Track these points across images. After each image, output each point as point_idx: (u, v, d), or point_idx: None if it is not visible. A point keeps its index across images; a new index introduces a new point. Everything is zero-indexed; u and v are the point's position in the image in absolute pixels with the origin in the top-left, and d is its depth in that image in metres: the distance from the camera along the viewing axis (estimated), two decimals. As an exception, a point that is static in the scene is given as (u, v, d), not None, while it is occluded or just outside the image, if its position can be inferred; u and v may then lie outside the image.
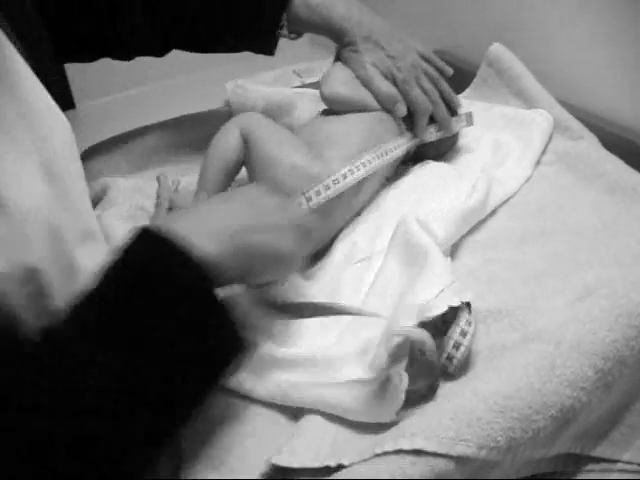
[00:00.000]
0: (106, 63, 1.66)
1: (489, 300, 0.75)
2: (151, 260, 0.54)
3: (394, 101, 0.92)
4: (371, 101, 0.95)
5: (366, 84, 0.94)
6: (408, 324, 0.63)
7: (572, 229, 0.88)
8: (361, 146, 0.88)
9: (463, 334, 0.66)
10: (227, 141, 0.83)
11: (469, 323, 0.67)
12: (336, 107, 0.95)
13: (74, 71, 1.68)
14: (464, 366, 0.67)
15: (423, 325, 0.63)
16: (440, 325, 0.67)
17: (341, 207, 0.85)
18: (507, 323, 0.72)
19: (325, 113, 0.96)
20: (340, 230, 0.88)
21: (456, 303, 0.65)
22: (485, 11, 1.32)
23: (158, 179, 0.96)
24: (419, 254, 0.74)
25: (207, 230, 0.58)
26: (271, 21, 0.96)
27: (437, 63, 0.97)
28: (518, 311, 0.73)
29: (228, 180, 0.83)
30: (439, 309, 0.64)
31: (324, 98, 0.94)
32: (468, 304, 0.68)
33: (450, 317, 0.67)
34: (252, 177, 0.84)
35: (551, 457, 0.65)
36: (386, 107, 0.93)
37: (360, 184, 0.85)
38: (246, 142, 0.82)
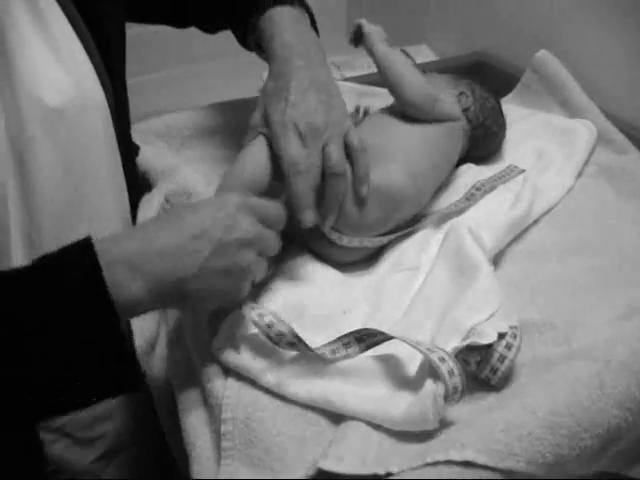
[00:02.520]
0: (144, 43, 1.67)
1: (532, 312, 0.76)
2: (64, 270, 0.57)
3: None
4: (453, 112, 0.94)
5: None
6: (454, 344, 0.64)
7: (614, 244, 0.88)
8: (432, 159, 0.88)
9: (508, 347, 0.66)
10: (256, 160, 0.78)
11: (514, 336, 0.67)
12: (413, 113, 0.91)
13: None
14: (507, 378, 0.67)
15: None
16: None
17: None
18: (551, 336, 0.72)
19: (387, 115, 0.94)
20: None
21: (504, 329, 0.66)
22: (533, 16, 1.31)
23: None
24: (469, 265, 0.75)
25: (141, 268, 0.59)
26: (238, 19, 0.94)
27: None
28: (562, 325, 0.73)
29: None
30: (490, 337, 0.65)
31: (404, 102, 0.91)
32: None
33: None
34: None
35: (588, 474, 0.65)
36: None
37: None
38: None
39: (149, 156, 1.04)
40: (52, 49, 0.73)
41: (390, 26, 1.78)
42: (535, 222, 0.92)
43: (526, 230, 0.90)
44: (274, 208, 0.69)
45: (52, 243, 0.67)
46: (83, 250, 0.58)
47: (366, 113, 1.06)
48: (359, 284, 0.81)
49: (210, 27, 1.05)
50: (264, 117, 0.78)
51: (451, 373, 0.61)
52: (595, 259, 0.85)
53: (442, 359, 0.61)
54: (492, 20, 1.43)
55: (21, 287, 0.56)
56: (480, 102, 1.00)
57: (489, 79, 1.30)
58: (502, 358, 0.66)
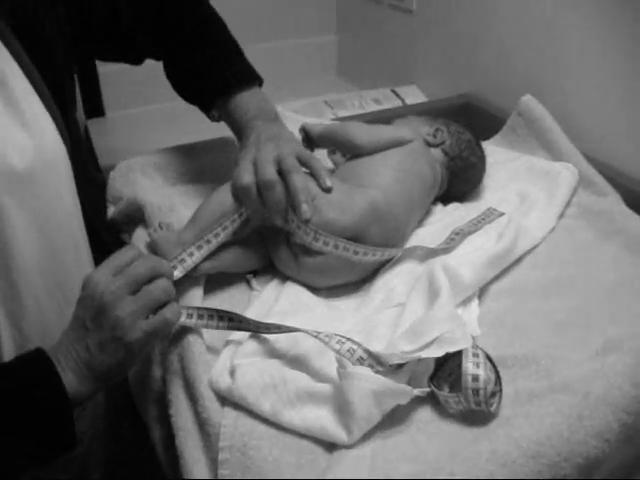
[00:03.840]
0: (138, 75, 1.71)
1: (515, 347, 0.79)
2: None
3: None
4: (401, 135, 1.03)
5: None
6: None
7: (594, 283, 0.92)
8: (396, 176, 0.96)
9: (476, 365, 0.70)
10: (224, 200, 0.89)
11: (476, 355, 0.71)
12: (368, 149, 1.01)
13: (106, 80, 1.72)
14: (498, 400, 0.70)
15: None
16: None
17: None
18: (533, 370, 0.76)
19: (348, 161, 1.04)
20: (377, 273, 0.92)
21: (449, 350, 0.71)
22: (516, 59, 1.37)
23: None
24: (434, 294, 0.80)
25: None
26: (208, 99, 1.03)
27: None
28: (544, 360, 0.77)
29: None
30: (434, 353, 0.71)
31: (356, 145, 1.02)
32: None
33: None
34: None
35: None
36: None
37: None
38: None
39: (145, 188, 1.09)
40: (15, 112, 0.77)
41: (381, 67, 1.87)
42: (518, 261, 0.96)
43: (509, 268, 0.94)
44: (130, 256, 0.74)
45: (34, 312, 0.78)
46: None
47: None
48: (351, 319, 0.85)
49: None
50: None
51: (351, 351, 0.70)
52: (575, 297, 0.89)
53: (341, 342, 0.71)
54: (479, 63, 1.49)
55: None
56: (456, 136, 1.09)
57: (476, 121, 1.36)
58: (475, 376, 0.69)
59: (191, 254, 0.82)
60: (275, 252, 0.91)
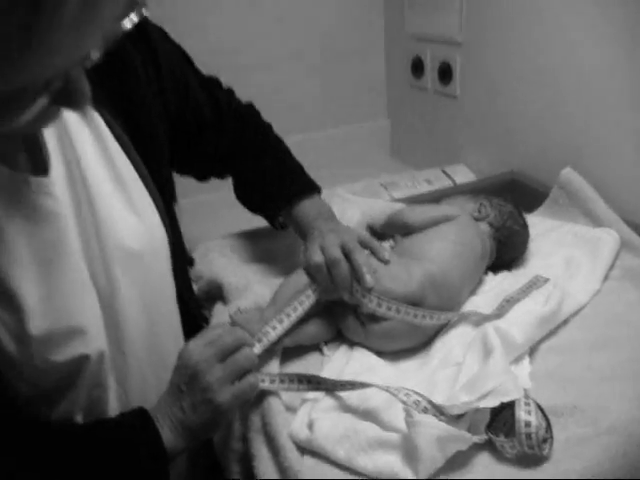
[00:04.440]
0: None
1: (564, 398, 0.87)
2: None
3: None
4: (448, 211, 1.15)
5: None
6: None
7: (638, 340, 0.99)
8: (449, 248, 1.07)
9: (528, 412, 0.78)
10: (299, 281, 1.01)
11: (528, 404, 0.79)
12: (420, 226, 1.14)
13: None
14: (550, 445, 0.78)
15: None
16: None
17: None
18: (581, 418, 0.84)
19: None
20: (435, 337, 1.02)
21: (503, 400, 0.79)
22: (556, 135, 1.48)
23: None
24: (487, 351, 0.90)
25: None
26: (275, 208, 1.17)
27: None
28: (590, 409, 0.85)
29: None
30: (490, 403, 0.79)
31: (409, 224, 1.15)
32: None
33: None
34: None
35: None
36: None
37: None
38: None
39: (224, 269, 1.22)
40: (127, 201, 0.86)
41: (431, 148, 1.99)
42: (565, 322, 1.04)
43: (557, 328, 1.03)
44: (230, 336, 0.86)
45: (137, 376, 0.88)
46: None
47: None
48: (414, 378, 0.94)
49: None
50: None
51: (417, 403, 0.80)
52: (621, 353, 0.96)
53: (408, 394, 0.81)
54: (522, 141, 1.60)
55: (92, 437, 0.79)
56: (498, 208, 1.20)
57: (521, 195, 1.46)
58: (528, 423, 0.77)
59: (274, 327, 0.93)
60: (343, 322, 1.02)
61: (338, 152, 2.18)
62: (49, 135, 0.78)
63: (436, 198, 1.31)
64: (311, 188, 1.15)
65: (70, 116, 0.81)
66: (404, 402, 0.81)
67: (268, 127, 1.23)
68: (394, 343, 1.00)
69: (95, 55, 0.56)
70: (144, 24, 0.94)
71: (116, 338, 0.84)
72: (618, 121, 1.31)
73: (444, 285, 1.03)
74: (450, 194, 1.29)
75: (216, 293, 1.21)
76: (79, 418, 0.83)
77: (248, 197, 1.21)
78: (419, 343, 1.02)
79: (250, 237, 1.35)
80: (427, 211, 1.16)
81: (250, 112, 1.23)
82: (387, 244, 1.18)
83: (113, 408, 0.86)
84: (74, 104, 0.62)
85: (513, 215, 1.20)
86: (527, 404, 0.79)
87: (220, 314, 1.14)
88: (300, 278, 1.01)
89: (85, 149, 0.81)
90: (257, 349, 0.89)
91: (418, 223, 1.13)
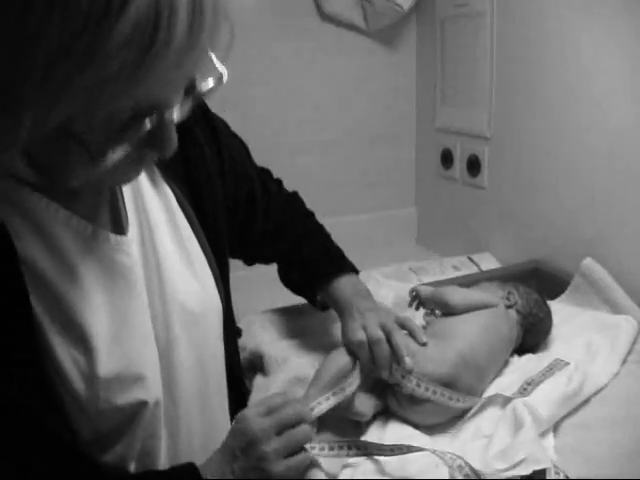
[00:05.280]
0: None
1: (589, 473, 0.94)
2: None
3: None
4: (487, 300, 1.21)
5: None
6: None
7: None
8: (481, 334, 1.14)
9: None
10: (342, 359, 1.08)
11: (557, 473, 0.87)
12: (458, 310, 1.21)
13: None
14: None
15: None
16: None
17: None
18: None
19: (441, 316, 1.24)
20: (466, 414, 1.09)
21: (535, 468, 0.87)
22: (578, 227, 1.58)
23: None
24: (520, 426, 0.97)
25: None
26: (314, 287, 1.26)
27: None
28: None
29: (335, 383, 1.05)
30: (523, 471, 0.87)
31: (449, 305, 1.21)
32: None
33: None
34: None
35: None
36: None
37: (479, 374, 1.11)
38: None
39: (265, 342, 1.32)
40: (189, 266, 0.94)
41: (457, 236, 2.09)
42: (587, 401, 1.11)
43: (580, 407, 1.10)
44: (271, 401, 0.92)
45: (187, 431, 0.94)
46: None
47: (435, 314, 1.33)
48: (447, 448, 1.01)
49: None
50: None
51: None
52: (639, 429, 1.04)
53: (452, 458, 0.90)
54: (546, 232, 1.69)
55: None
56: (525, 297, 1.28)
57: (544, 282, 1.55)
58: None
59: (327, 398, 1.00)
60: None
61: (365, 237, 2.24)
62: (127, 198, 0.88)
63: (464, 283, 1.39)
64: (349, 268, 1.23)
65: (144, 183, 0.90)
66: (450, 465, 0.88)
67: (311, 214, 1.34)
68: (429, 419, 1.07)
69: (177, 100, 0.67)
70: (209, 113, 1.06)
71: (170, 389, 0.90)
72: (637, 213, 1.42)
73: (474, 367, 1.11)
74: (477, 280, 1.39)
75: (257, 364, 1.30)
76: (131, 467, 0.87)
77: (290, 279, 1.30)
78: (450, 418, 1.09)
79: (290, 313, 1.45)
80: (468, 296, 1.24)
81: (295, 199, 1.33)
82: (419, 321, 1.26)
83: (163, 461, 0.91)
84: (162, 148, 0.69)
85: (538, 303, 1.28)
86: (557, 473, 0.87)
87: (261, 385, 1.22)
88: (342, 356, 1.09)
89: (155, 215, 0.90)
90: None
91: (459, 306, 1.21)
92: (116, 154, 0.65)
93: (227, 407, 1.05)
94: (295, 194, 1.34)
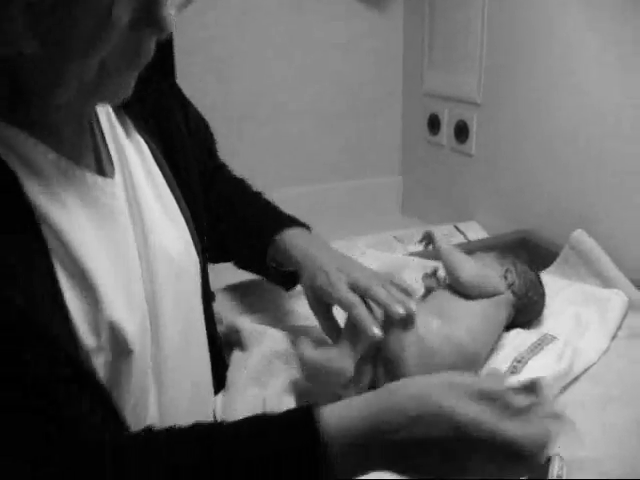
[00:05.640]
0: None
1: (580, 453, 0.90)
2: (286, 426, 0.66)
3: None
4: (496, 287, 1.15)
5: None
6: None
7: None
8: (482, 325, 1.08)
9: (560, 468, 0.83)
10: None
11: (562, 467, 0.83)
12: (469, 292, 1.13)
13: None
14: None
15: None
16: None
17: None
18: (597, 473, 0.88)
19: (448, 289, 1.16)
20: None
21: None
22: (568, 197, 1.55)
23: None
24: None
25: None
26: (261, 253, 1.15)
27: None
28: (607, 462, 0.89)
29: None
30: None
31: (460, 283, 1.12)
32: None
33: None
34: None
35: None
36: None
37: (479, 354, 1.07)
38: None
39: (242, 315, 1.27)
40: (165, 213, 0.90)
41: (443, 205, 2.05)
42: (576, 379, 1.09)
43: (569, 385, 1.07)
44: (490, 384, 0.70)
45: (173, 388, 0.87)
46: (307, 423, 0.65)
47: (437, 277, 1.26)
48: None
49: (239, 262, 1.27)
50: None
51: None
52: (631, 410, 1.00)
53: None
54: (534, 201, 1.66)
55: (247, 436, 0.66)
56: (522, 277, 1.20)
57: (531, 253, 1.51)
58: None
59: None
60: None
61: (348, 206, 2.23)
62: (109, 142, 0.84)
63: None
64: (299, 224, 1.16)
65: (119, 132, 0.87)
66: None
67: (247, 184, 1.28)
68: None
69: None
70: (181, 91, 1.03)
71: (156, 339, 0.85)
72: (629, 187, 1.38)
73: (471, 355, 1.06)
74: (466, 250, 1.34)
75: (234, 338, 1.24)
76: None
77: (239, 252, 1.23)
78: None
79: (264, 285, 1.37)
80: (481, 278, 1.14)
81: (243, 181, 1.28)
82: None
83: (152, 415, 0.85)
84: (157, 26, 0.66)
85: (534, 284, 1.22)
86: (561, 467, 0.83)
87: (239, 360, 1.17)
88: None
89: (133, 162, 0.86)
90: None
91: (468, 286, 1.12)
92: (111, 36, 0.63)
93: (209, 365, 1.02)
94: (243, 180, 1.29)
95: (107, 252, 0.77)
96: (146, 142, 0.91)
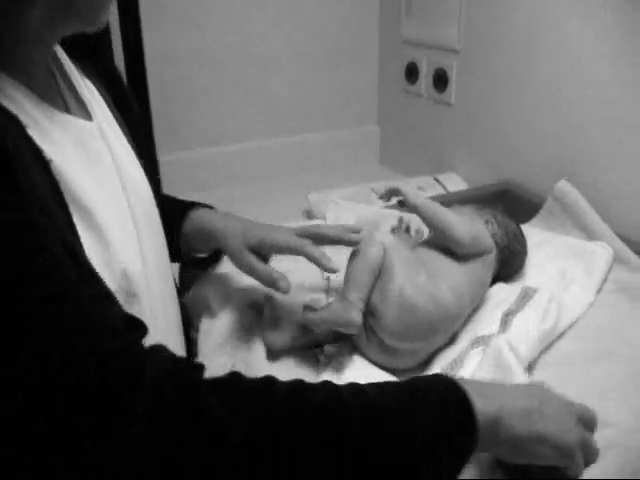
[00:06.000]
0: (195, 163, 1.86)
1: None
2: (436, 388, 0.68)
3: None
4: (488, 244, 1.09)
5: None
6: None
7: (634, 351, 1.00)
8: (468, 286, 1.03)
9: None
10: (377, 251, 0.98)
11: None
12: (461, 250, 1.06)
13: (166, 168, 1.83)
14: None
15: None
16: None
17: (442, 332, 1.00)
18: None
19: (429, 246, 1.10)
20: (436, 352, 1.02)
21: None
22: (551, 147, 1.49)
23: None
24: (507, 372, 0.89)
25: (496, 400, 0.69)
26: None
27: None
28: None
29: (372, 284, 0.97)
30: None
31: (462, 245, 1.05)
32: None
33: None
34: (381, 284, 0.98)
35: None
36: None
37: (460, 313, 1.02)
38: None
39: (209, 283, 1.18)
40: (130, 158, 0.87)
41: (422, 156, 1.99)
42: (561, 335, 1.05)
43: (554, 341, 1.03)
44: (591, 412, 0.79)
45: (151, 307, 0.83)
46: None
47: (407, 229, 1.21)
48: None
49: None
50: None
51: None
52: (617, 364, 0.97)
53: None
54: (516, 152, 1.61)
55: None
56: (503, 228, 1.16)
57: (513, 205, 1.47)
58: None
59: None
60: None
61: (324, 157, 2.18)
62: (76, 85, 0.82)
63: None
64: (201, 205, 1.12)
65: (78, 76, 0.83)
66: None
67: None
68: (397, 361, 0.99)
69: None
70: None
71: (146, 278, 0.83)
72: (615, 135, 1.33)
73: (456, 320, 1.02)
74: (446, 202, 1.28)
75: (201, 306, 1.18)
76: None
77: None
78: (421, 362, 1.01)
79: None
80: (476, 238, 1.07)
81: None
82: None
83: None
84: None
85: (516, 236, 1.18)
86: None
87: (207, 327, 1.11)
88: (369, 256, 0.98)
89: (96, 106, 0.83)
90: None
91: (467, 245, 1.06)
92: None
93: (180, 322, 0.99)
94: None
95: (104, 196, 0.75)
96: (97, 90, 0.87)
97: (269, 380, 0.64)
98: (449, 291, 1.00)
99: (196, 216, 1.08)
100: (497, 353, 0.92)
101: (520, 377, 0.87)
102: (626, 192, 1.31)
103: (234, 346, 1.02)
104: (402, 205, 1.09)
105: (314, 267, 0.98)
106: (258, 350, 1.00)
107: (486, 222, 1.14)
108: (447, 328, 1.01)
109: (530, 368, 0.97)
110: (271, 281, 0.98)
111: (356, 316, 0.93)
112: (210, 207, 1.12)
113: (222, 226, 1.04)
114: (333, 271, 0.96)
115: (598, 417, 0.85)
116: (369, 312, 0.97)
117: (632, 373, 0.95)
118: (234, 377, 0.63)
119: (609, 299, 1.15)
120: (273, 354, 1.00)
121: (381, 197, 1.11)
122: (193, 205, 1.11)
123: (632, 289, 1.15)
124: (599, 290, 1.17)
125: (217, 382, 0.61)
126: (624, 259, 1.22)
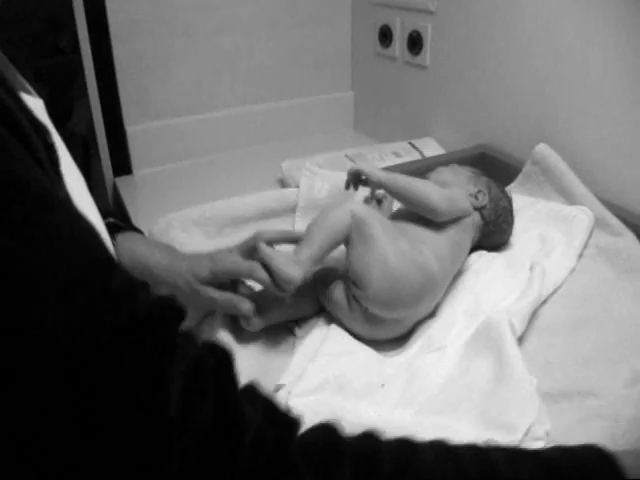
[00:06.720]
0: (164, 134, 1.81)
1: (548, 384, 0.86)
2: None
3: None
4: (465, 207, 1.06)
5: None
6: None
7: (616, 318, 0.99)
8: (449, 252, 1.00)
9: None
10: (342, 216, 0.94)
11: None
12: (444, 217, 1.02)
13: (134, 139, 1.80)
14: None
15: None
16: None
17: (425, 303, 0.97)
18: (567, 405, 0.82)
19: (404, 214, 1.06)
20: (417, 324, 0.99)
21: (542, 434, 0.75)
22: (529, 109, 1.45)
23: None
24: (508, 363, 0.84)
25: None
26: None
27: None
28: (575, 394, 0.84)
29: (330, 249, 0.93)
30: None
31: (439, 212, 1.01)
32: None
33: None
34: (351, 255, 0.94)
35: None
36: None
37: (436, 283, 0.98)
38: (357, 224, 0.93)
39: (185, 243, 1.16)
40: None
41: (397, 121, 1.95)
42: (544, 301, 1.03)
43: (537, 309, 1.00)
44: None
45: None
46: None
47: (379, 200, 1.16)
48: (394, 362, 0.91)
49: None
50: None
51: None
52: (600, 332, 0.96)
53: None
54: (493, 115, 1.57)
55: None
56: (495, 202, 1.12)
57: (492, 169, 1.43)
58: None
59: None
60: (329, 294, 0.98)
61: (297, 124, 2.13)
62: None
63: (410, 171, 1.20)
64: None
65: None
66: None
67: None
68: (376, 331, 0.96)
69: None
70: None
71: None
72: (594, 97, 1.29)
73: (438, 288, 0.99)
74: (428, 166, 1.24)
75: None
76: None
77: None
78: (400, 334, 0.98)
79: (213, 209, 1.28)
80: (454, 202, 1.04)
81: None
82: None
83: None
84: None
85: (506, 212, 1.14)
86: None
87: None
88: (330, 219, 0.94)
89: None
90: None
91: (444, 212, 1.01)
92: None
93: None
94: None
95: (80, 182, 0.69)
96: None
97: (373, 445, 0.52)
98: (432, 257, 0.97)
99: (125, 248, 0.96)
100: (499, 336, 0.88)
101: (513, 351, 0.85)
102: (607, 155, 1.28)
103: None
104: (366, 184, 1.06)
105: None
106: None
107: (478, 191, 1.10)
108: (432, 296, 0.98)
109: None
110: (232, 307, 0.93)
111: (297, 275, 0.87)
112: (136, 230, 1.04)
113: (164, 267, 0.95)
114: (283, 296, 0.92)
115: (583, 387, 0.84)
116: (352, 282, 0.94)
117: (617, 342, 0.93)
118: (331, 437, 0.51)
119: (590, 264, 1.13)
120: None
121: (347, 186, 1.07)
122: (117, 228, 0.99)
123: (614, 254, 1.12)
124: (580, 255, 1.14)
125: (313, 447, 0.49)
126: (605, 223, 1.19)
